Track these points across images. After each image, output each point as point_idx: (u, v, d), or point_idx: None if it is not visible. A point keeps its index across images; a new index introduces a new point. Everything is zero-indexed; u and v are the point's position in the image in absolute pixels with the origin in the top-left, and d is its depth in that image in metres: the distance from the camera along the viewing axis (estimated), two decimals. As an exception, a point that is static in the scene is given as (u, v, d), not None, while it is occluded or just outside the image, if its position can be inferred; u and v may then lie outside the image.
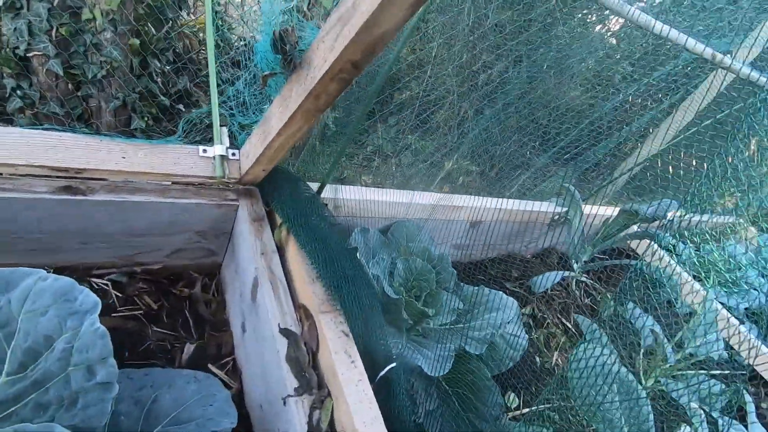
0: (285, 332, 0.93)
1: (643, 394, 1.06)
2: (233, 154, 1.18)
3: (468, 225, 1.84)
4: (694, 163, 1.75)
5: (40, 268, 0.69)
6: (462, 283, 1.49)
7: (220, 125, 1.17)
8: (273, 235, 1.13)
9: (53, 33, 1.52)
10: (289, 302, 0.99)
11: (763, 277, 1.97)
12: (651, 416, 1.03)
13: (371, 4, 0.61)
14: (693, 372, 1.46)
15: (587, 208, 2.12)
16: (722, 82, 1.63)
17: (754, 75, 1.30)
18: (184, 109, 1.94)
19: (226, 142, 1.17)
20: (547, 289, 1.95)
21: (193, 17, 2.02)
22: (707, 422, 1.21)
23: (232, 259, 1.23)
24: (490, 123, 1.99)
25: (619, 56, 2.22)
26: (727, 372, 1.51)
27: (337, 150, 1.30)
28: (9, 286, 0.65)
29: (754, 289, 1.94)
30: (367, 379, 0.85)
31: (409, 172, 2.31)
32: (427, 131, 2.29)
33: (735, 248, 1.92)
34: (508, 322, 1.35)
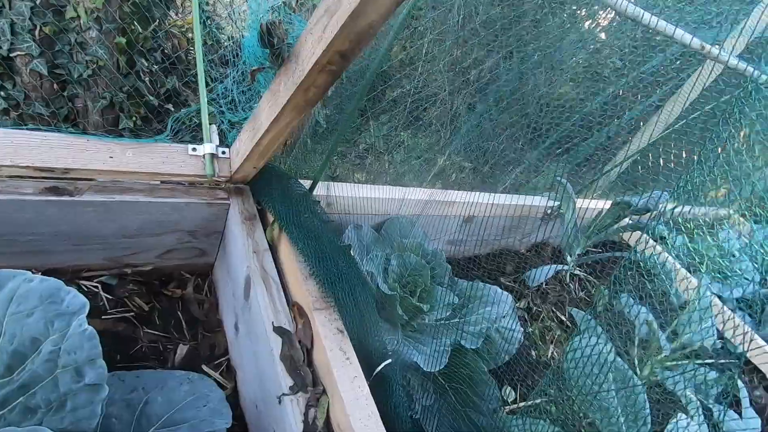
0: (279, 330, 0.92)
1: (639, 382, 1.06)
2: (223, 153, 1.16)
3: (462, 220, 1.83)
4: (684, 154, 1.77)
5: (27, 270, 0.67)
6: (457, 279, 1.49)
7: (210, 123, 1.16)
8: (265, 233, 1.12)
9: (36, 32, 1.49)
10: (283, 300, 0.99)
11: (753, 262, 1.99)
12: (647, 405, 1.04)
13: (358, -6, 0.60)
14: (687, 362, 1.47)
15: (580, 202, 2.13)
16: (710, 73, 1.64)
17: (742, 66, 1.31)
18: (173, 109, 1.92)
19: (216, 140, 1.16)
20: (541, 283, 1.95)
21: (181, 17, 2.00)
22: (702, 410, 1.22)
23: (224, 258, 1.22)
24: (482, 119, 1.99)
25: (608, 51, 2.24)
26: (721, 361, 1.53)
27: (329, 147, 1.29)
28: (-7, 288, 0.63)
29: (746, 278, 1.96)
30: (362, 376, 0.84)
31: (401, 170, 2.31)
32: (419, 128, 2.29)
33: (728, 233, 1.94)
34: (504, 316, 1.35)
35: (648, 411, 1.02)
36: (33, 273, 0.67)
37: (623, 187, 2.37)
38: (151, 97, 1.82)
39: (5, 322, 0.61)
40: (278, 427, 0.85)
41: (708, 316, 1.41)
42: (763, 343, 1.73)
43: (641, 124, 2.33)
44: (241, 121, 1.14)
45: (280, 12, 0.85)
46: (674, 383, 1.35)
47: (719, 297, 1.96)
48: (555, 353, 1.70)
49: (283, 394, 0.83)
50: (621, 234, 2.42)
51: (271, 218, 1.13)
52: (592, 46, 2.19)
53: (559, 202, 1.98)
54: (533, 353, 1.67)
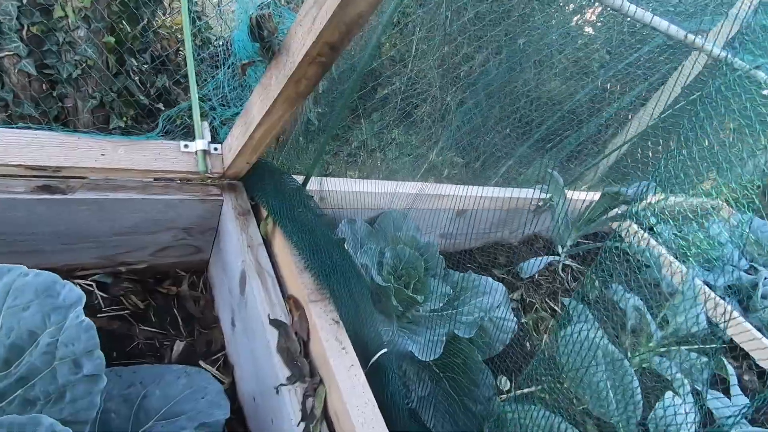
0: (275, 323, 0.93)
1: (626, 360, 1.09)
2: (215, 149, 1.17)
3: (454, 214, 1.85)
4: (671, 145, 1.80)
5: (20, 266, 0.67)
6: (450, 270, 1.50)
7: (201, 120, 1.16)
8: (259, 228, 1.13)
9: (24, 32, 1.48)
10: (278, 293, 0.99)
11: (736, 247, 2.03)
12: (638, 389, 1.06)
13: (346, -15, 0.61)
14: (677, 348, 1.50)
15: (570, 194, 2.16)
16: (694, 63, 1.67)
17: (724, 55, 1.34)
18: (164, 108, 1.91)
19: (208, 136, 1.16)
20: (534, 275, 1.98)
21: (169, 17, 2.00)
22: (692, 391, 1.25)
23: (219, 254, 1.22)
24: (473, 114, 2.00)
25: (596, 45, 2.26)
26: (710, 346, 1.56)
27: (321, 142, 1.30)
28: (-12, 282, 0.63)
29: (733, 266, 2.01)
30: (358, 365, 0.86)
31: (394, 166, 2.32)
32: (411, 125, 2.30)
33: (714, 221, 1.98)
34: (497, 306, 1.37)
35: (636, 384, 1.04)
36: (28, 268, 0.67)
37: (613, 179, 2.41)
38: (142, 97, 1.82)
39: (2, 315, 0.62)
40: (277, 417, 0.86)
41: (696, 303, 1.44)
42: (749, 327, 1.77)
43: (629, 116, 2.37)
44: (233, 116, 1.14)
45: (270, 5, 0.86)
46: (665, 369, 1.37)
47: (708, 285, 2.00)
48: (548, 342, 1.72)
49: (281, 385, 0.84)
50: (611, 224, 2.45)
51: (264, 213, 1.14)
52: (580, 41, 2.22)
53: (549, 194, 2.01)
54: (527, 344, 1.69)
